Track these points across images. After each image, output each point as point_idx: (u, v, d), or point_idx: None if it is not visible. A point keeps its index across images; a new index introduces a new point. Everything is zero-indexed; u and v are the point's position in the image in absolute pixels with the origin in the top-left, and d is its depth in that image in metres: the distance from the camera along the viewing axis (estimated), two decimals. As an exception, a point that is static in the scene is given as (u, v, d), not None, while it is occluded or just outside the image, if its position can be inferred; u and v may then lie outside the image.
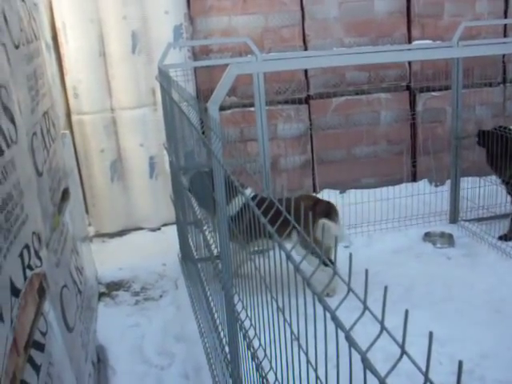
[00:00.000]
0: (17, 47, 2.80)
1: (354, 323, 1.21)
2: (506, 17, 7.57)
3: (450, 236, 6.00)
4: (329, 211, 4.90)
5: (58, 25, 6.34)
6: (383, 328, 1.10)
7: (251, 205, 1.73)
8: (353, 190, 6.98)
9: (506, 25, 7.58)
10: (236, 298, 2.46)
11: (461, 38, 6.05)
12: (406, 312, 1.04)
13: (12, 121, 2.42)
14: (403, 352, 1.02)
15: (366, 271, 1.19)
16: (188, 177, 4.42)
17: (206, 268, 3.87)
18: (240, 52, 6.82)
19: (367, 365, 1.06)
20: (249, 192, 3.84)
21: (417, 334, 4.23)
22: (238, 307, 2.41)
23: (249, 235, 2.06)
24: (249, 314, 2.28)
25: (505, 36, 7.60)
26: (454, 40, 5.94)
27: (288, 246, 1.65)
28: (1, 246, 1.99)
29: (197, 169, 4.09)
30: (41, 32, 3.90)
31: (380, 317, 1.11)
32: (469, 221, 6.36)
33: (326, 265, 1.54)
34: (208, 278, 3.73)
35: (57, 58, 6.38)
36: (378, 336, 1.11)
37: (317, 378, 1.46)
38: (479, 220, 6.32)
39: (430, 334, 0.95)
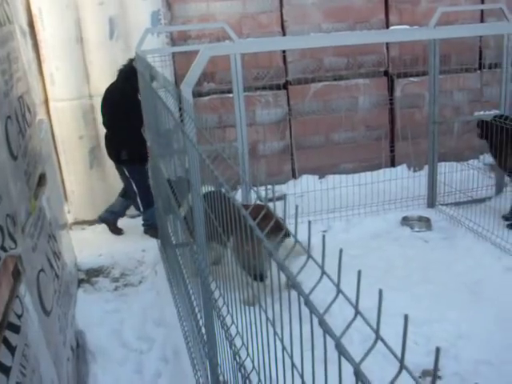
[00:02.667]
0: (-11, 30, 2.79)
1: (328, 307, 1.21)
2: (482, 2, 7.62)
3: (428, 220, 6.06)
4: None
5: (34, 10, 6.29)
6: (357, 312, 1.10)
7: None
8: (331, 176, 7.02)
9: (482, 11, 7.62)
10: (212, 284, 2.47)
11: (438, 24, 6.08)
12: (380, 292, 1.04)
13: (-15, 104, 2.41)
14: (377, 337, 1.02)
15: (341, 251, 1.19)
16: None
17: (183, 254, 3.88)
18: (218, 38, 6.81)
19: (341, 351, 1.06)
20: None
21: (394, 315, 4.28)
22: (215, 293, 2.43)
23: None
24: (225, 300, 2.29)
25: (482, 22, 7.64)
26: (430, 25, 5.96)
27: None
28: (-27, 227, 1.99)
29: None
30: (14, 16, 3.87)
31: (355, 299, 1.11)
32: (446, 205, 6.43)
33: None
34: (186, 264, 3.74)
35: (34, 45, 6.33)
36: (352, 320, 1.11)
37: (292, 365, 1.47)
38: (456, 204, 6.38)
39: (406, 318, 0.94)
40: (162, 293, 4.96)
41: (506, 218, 5.88)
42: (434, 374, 0.91)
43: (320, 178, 7.24)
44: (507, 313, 4.30)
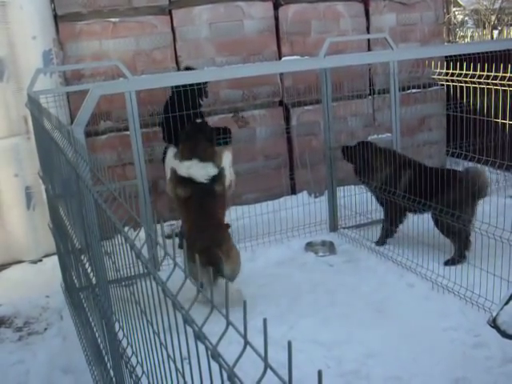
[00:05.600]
0: None
1: (219, 340, 1.20)
2: (368, 32, 7.95)
3: (331, 244, 6.20)
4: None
5: None
6: (246, 343, 1.11)
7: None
8: (234, 207, 7.05)
9: (369, 40, 7.96)
10: (117, 326, 2.43)
11: (328, 54, 6.28)
12: (265, 321, 1.05)
13: None
14: (266, 366, 1.03)
15: (226, 283, 1.19)
16: None
17: (87, 296, 3.79)
18: (113, 75, 6.77)
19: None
20: None
21: (305, 341, 4.36)
22: (119, 334, 2.39)
23: None
24: (129, 340, 2.26)
25: (369, 50, 7.97)
26: (320, 54, 6.16)
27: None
28: None
29: None
30: None
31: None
32: (348, 228, 6.60)
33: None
34: (90, 306, 3.66)
35: None
36: (242, 352, 1.11)
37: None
38: (357, 226, 6.57)
39: (289, 344, 0.94)
40: (69, 338, 4.81)
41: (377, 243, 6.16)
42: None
43: (223, 209, 7.26)
44: (411, 327, 4.45)
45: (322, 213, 6.67)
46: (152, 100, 6.80)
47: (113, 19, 6.87)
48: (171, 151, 5.40)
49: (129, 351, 2.29)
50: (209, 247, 4.70)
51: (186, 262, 1.49)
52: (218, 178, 5.17)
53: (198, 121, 5.74)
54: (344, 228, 6.64)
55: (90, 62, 6.80)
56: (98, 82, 6.66)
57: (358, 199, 6.53)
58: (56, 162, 3.78)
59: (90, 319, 3.65)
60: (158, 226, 6.10)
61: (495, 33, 22.75)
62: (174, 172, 5.17)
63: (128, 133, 5.57)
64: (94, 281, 2.89)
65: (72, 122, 6.46)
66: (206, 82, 6.20)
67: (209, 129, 5.52)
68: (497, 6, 23.25)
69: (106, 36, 6.86)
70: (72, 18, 6.76)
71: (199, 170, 5.10)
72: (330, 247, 6.16)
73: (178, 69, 7.11)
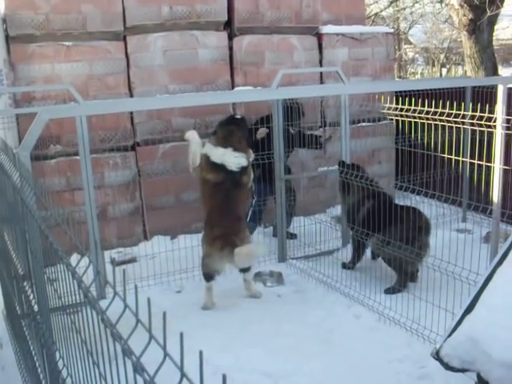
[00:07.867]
0: None
1: (155, 373, 1.18)
2: (321, 66, 8.08)
3: (279, 274, 6.19)
4: None
5: None
6: (183, 375, 1.09)
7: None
8: (183, 235, 6.99)
9: (321, 73, 8.08)
10: (57, 355, 2.37)
11: (282, 85, 6.34)
12: (201, 354, 1.04)
13: None
14: None
15: (164, 314, 1.16)
16: None
17: (29, 324, 3.69)
18: (65, 99, 6.69)
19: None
20: None
21: (251, 371, 4.31)
22: (60, 364, 2.33)
23: None
24: (69, 371, 2.21)
25: (321, 83, 8.09)
26: (273, 85, 6.21)
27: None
28: None
29: None
30: None
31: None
32: (296, 259, 6.61)
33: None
34: (31, 335, 3.57)
35: None
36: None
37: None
38: (306, 257, 6.58)
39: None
40: (9, 368, 4.66)
41: (344, 265, 6.24)
42: None
43: (172, 238, 7.20)
44: (358, 359, 4.47)
45: (271, 243, 6.68)
46: (104, 126, 6.75)
47: (66, 43, 6.82)
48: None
49: (68, 382, 2.23)
50: (226, 233, 5.30)
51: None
52: (246, 170, 5.60)
53: (237, 116, 6.25)
54: (292, 259, 6.64)
55: (42, 84, 6.71)
56: (49, 105, 6.57)
57: (307, 230, 6.56)
58: (1, 185, 3.71)
59: (31, 348, 3.55)
60: (106, 253, 6.01)
61: (444, 71, 23.42)
62: (206, 158, 5.51)
63: (78, 158, 5.51)
64: (35, 308, 2.82)
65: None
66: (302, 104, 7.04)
67: (245, 125, 6.00)
68: (445, 45, 23.97)
69: (58, 59, 6.79)
70: (24, 39, 6.68)
71: (232, 159, 5.48)
72: (278, 278, 6.15)
73: (131, 95, 7.08)
